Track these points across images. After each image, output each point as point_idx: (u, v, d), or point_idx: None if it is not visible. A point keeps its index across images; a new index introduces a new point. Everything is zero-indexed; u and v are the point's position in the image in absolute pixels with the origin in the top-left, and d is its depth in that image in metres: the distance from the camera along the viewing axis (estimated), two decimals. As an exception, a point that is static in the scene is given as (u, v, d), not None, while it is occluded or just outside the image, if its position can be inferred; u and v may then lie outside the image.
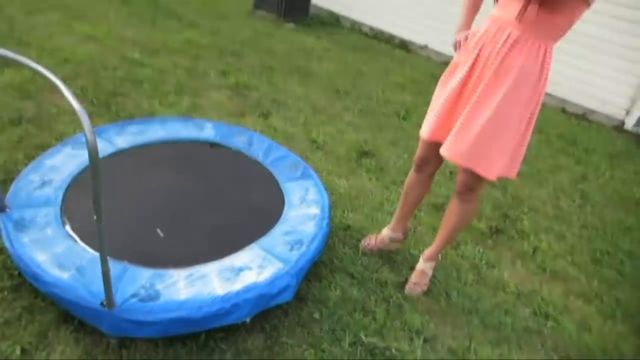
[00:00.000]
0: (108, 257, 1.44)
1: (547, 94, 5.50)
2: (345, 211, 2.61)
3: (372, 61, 5.38)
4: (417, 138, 2.02)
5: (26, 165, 2.20)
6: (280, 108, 3.67)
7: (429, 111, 1.93)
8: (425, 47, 6.12)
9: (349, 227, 2.48)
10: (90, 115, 2.92)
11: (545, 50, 1.60)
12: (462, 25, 1.87)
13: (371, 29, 6.50)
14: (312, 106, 3.83)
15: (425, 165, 2.07)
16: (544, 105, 1.73)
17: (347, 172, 3.01)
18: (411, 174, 2.16)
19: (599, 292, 2.47)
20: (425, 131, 1.91)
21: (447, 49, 5.85)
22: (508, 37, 1.61)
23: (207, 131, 2.69)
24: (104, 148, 2.37)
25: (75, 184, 2.10)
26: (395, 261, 2.33)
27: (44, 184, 2.05)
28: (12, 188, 1.98)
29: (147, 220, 2.01)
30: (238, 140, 2.65)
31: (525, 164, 3.76)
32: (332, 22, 6.68)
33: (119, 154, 2.39)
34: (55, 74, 1.34)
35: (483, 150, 1.72)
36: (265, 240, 1.96)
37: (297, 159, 2.57)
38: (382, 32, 6.41)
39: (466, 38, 1.80)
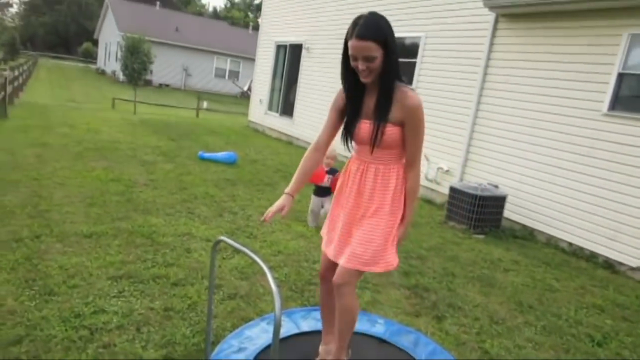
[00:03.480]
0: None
1: None
2: None
3: (566, 278, 5.10)
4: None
5: (231, 332, 2.74)
6: (455, 313, 3.74)
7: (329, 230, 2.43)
8: (637, 270, 5.55)
9: None
10: (286, 299, 3.53)
11: (398, 170, 2.21)
12: (292, 189, 2.27)
13: (569, 244, 6.26)
14: (490, 316, 3.79)
15: (330, 273, 2.37)
16: None
17: (520, 393, 2.81)
18: (320, 288, 2.54)
19: None
20: (331, 253, 2.36)
21: (663, 273, 5.22)
22: (367, 169, 2.22)
23: (378, 327, 2.95)
24: (290, 328, 2.81)
25: (261, 354, 2.52)
26: None
27: (239, 350, 2.52)
28: (217, 347, 2.50)
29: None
30: (405, 339, 2.82)
31: None
32: (525, 235, 6.68)
33: (300, 336, 2.78)
34: (269, 261, 1.85)
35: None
36: None
37: (460, 367, 2.58)
38: (581, 249, 6.11)
39: (281, 209, 2.21)
